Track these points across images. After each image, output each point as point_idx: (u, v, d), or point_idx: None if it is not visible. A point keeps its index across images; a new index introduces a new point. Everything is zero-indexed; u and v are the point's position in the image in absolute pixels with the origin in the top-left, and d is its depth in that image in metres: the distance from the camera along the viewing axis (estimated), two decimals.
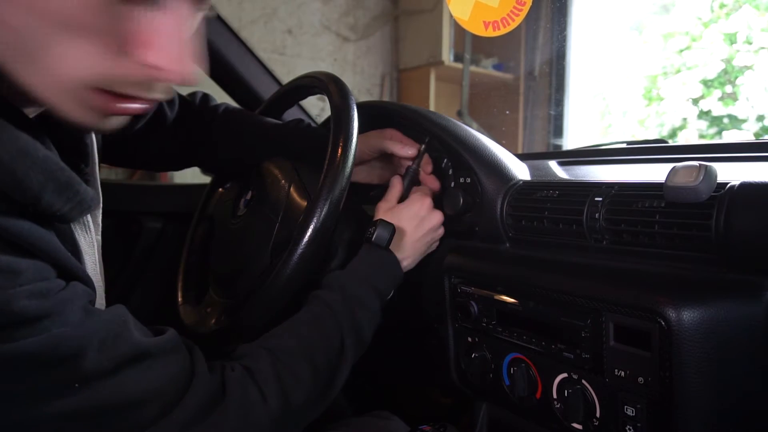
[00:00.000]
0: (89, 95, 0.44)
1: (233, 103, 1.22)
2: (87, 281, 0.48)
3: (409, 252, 0.77)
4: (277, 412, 0.54)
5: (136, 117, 0.81)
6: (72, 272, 0.47)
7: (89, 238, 0.56)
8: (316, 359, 0.60)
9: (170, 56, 0.44)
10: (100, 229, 0.61)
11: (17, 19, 0.40)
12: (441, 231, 0.81)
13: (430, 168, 0.86)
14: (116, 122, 0.49)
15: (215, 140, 0.89)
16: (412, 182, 0.85)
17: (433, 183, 0.85)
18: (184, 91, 0.93)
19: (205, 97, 0.93)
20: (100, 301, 0.56)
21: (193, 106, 0.90)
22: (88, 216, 0.56)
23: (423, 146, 0.85)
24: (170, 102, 0.88)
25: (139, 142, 0.85)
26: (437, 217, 0.80)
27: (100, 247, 0.59)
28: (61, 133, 0.52)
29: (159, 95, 0.47)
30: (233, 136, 0.88)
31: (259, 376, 0.55)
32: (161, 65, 0.43)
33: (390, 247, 0.73)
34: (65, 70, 0.43)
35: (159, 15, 0.43)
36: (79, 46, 0.42)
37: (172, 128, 0.88)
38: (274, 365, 0.57)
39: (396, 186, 0.82)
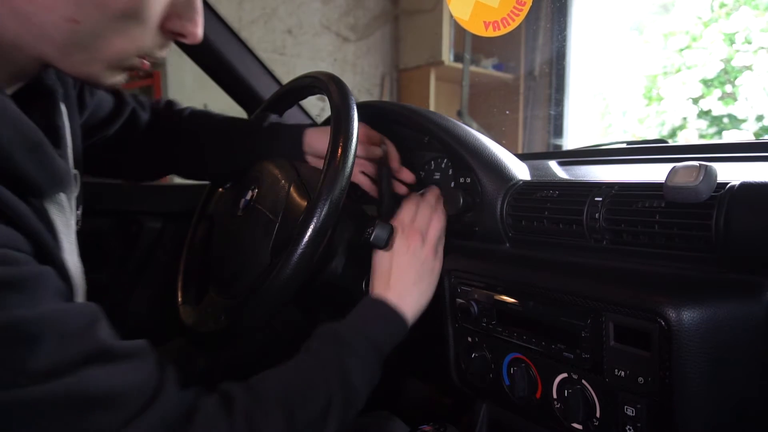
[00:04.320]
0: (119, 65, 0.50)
1: (233, 103, 1.23)
2: (61, 267, 0.46)
3: (414, 297, 0.71)
4: None
5: (113, 116, 0.84)
6: (48, 253, 0.44)
7: (65, 219, 0.54)
8: (294, 409, 0.55)
9: (201, 24, 0.53)
10: (77, 218, 0.61)
11: (82, 14, 0.44)
12: (437, 266, 0.75)
13: (396, 163, 0.85)
14: (118, 78, 0.53)
15: (184, 145, 0.91)
16: (388, 182, 0.86)
17: (407, 176, 0.85)
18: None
19: (169, 102, 0.95)
20: (79, 282, 0.55)
21: (161, 110, 0.93)
22: (62, 196, 0.55)
23: (383, 145, 0.85)
24: (142, 106, 0.90)
25: (117, 148, 0.87)
26: (429, 250, 0.73)
27: (75, 232, 0.59)
28: (36, 116, 0.51)
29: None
30: (198, 141, 0.90)
31: (234, 408, 0.51)
32: (198, 33, 0.53)
33: (391, 293, 0.69)
34: (112, 52, 0.48)
35: None
36: (131, 32, 0.47)
37: (146, 133, 0.89)
38: (249, 405, 0.52)
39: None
